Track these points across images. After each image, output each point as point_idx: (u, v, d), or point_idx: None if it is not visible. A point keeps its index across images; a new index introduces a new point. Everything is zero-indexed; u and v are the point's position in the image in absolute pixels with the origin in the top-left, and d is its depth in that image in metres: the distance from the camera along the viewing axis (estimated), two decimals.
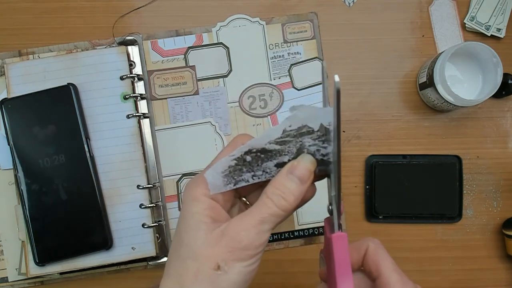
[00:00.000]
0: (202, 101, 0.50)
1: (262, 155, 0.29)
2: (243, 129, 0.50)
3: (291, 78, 0.50)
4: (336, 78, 0.24)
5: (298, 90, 0.50)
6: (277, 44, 0.50)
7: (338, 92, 0.25)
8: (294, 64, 0.50)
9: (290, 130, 0.29)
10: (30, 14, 0.50)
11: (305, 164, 0.28)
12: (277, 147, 0.29)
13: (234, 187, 0.29)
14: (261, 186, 0.30)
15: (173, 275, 0.29)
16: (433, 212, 0.50)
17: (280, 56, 0.50)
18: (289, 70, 0.50)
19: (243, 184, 0.30)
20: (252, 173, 0.29)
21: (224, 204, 0.29)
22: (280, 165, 0.29)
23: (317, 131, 0.29)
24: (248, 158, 0.29)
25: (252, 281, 0.50)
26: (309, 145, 0.29)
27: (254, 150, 0.29)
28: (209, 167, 0.29)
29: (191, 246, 0.27)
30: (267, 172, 0.30)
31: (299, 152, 0.29)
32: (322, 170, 0.29)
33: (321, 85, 0.50)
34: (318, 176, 0.29)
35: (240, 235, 0.26)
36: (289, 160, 0.29)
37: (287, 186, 0.28)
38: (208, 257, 0.26)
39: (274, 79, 0.50)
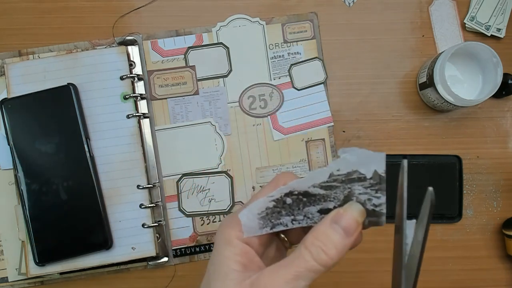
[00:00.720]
0: (202, 101, 0.50)
1: (304, 199, 0.26)
2: (243, 129, 0.50)
3: (291, 78, 0.50)
4: (431, 191, 0.24)
5: (298, 90, 0.50)
6: (277, 44, 0.50)
7: (431, 206, 0.23)
8: (294, 64, 0.50)
9: (338, 175, 0.26)
10: (30, 14, 0.50)
11: (352, 214, 0.25)
12: (322, 191, 0.26)
13: (271, 231, 0.27)
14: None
15: None
16: (433, 212, 0.49)
17: (280, 56, 0.50)
18: (289, 70, 0.50)
19: (281, 228, 0.27)
20: (292, 217, 0.27)
21: (258, 248, 0.27)
22: (324, 212, 0.26)
23: (370, 178, 0.26)
24: (289, 200, 0.26)
25: None
26: (359, 193, 0.26)
27: (296, 193, 0.26)
28: (245, 206, 0.26)
29: None
30: (308, 218, 0.27)
31: (346, 200, 0.26)
32: (372, 222, 0.26)
33: (320, 85, 0.50)
34: (365, 228, 0.26)
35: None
36: (334, 207, 0.26)
37: (330, 238, 0.24)
38: None
39: (274, 79, 0.50)
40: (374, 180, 0.26)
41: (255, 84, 0.50)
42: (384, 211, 0.26)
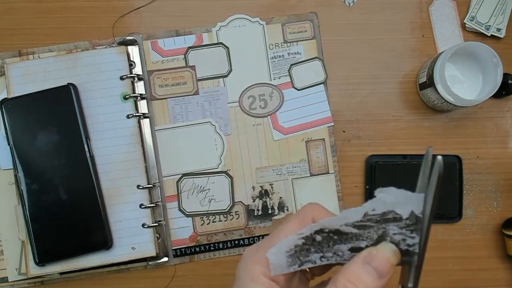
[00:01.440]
0: (202, 101, 0.50)
1: (335, 237, 0.26)
2: (243, 129, 0.50)
3: (291, 78, 0.50)
4: (440, 161, 0.22)
5: (298, 90, 0.50)
6: (277, 44, 0.50)
7: (439, 177, 0.22)
8: (294, 64, 0.50)
9: (373, 215, 0.25)
10: (30, 14, 0.50)
11: (386, 254, 0.24)
12: (355, 230, 0.25)
13: (299, 269, 0.26)
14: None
15: None
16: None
17: (280, 56, 0.50)
18: (289, 70, 0.50)
19: (309, 265, 0.27)
20: (321, 254, 0.26)
21: (283, 284, 0.26)
22: (356, 250, 0.25)
23: (406, 219, 0.25)
24: (318, 238, 0.26)
25: None
26: (394, 233, 0.25)
27: (327, 230, 0.26)
28: (271, 243, 0.26)
29: None
30: (338, 255, 0.26)
31: (380, 239, 0.25)
32: (405, 261, 0.25)
33: (320, 85, 0.50)
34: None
35: None
36: (366, 246, 0.25)
37: (362, 280, 0.23)
38: None
39: (274, 79, 0.50)
40: (411, 221, 0.25)
41: (255, 84, 0.50)
42: (417, 250, 0.25)
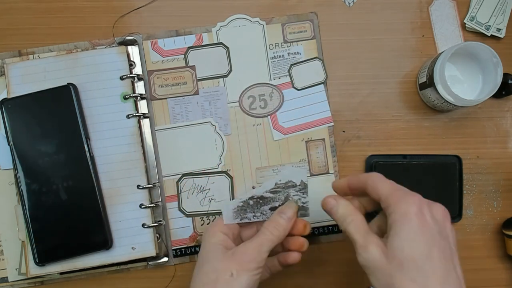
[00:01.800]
0: (202, 101, 0.50)
1: (261, 201, 0.41)
2: (243, 129, 0.50)
3: (291, 78, 0.50)
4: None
5: (298, 90, 0.50)
6: (277, 44, 0.50)
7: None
8: (294, 64, 0.50)
9: (280, 184, 0.41)
10: (30, 14, 0.50)
11: (290, 209, 0.40)
12: (271, 195, 0.41)
13: (240, 222, 0.41)
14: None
15: (198, 285, 0.37)
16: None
17: (280, 56, 0.50)
18: (289, 70, 0.50)
19: (246, 221, 0.41)
20: (253, 213, 0.41)
21: (233, 239, 0.40)
22: (273, 209, 0.41)
23: (299, 185, 0.41)
24: (251, 202, 0.41)
25: None
26: (293, 195, 0.41)
27: (256, 197, 0.41)
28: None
29: (212, 262, 0.37)
30: (263, 214, 0.41)
31: (285, 200, 0.41)
32: (302, 214, 0.42)
33: (320, 85, 0.50)
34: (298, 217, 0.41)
35: (246, 253, 0.37)
36: (279, 205, 0.41)
37: (279, 222, 0.39)
38: (224, 269, 0.36)
39: (274, 79, 0.50)
40: (301, 186, 0.41)
41: (255, 84, 0.50)
42: (309, 206, 0.41)
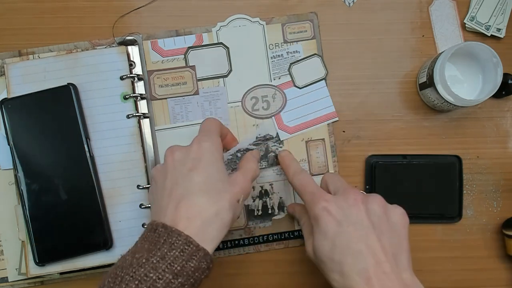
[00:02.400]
0: (202, 101, 0.50)
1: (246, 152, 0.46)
2: (243, 129, 0.50)
3: (291, 77, 0.50)
4: None
5: (300, 88, 0.50)
6: (277, 44, 0.50)
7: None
8: (294, 62, 0.50)
9: (260, 136, 0.49)
10: (30, 14, 0.50)
11: (257, 151, 0.47)
12: (254, 147, 0.49)
13: (231, 172, 0.47)
14: None
15: (212, 181, 0.37)
16: (433, 212, 0.50)
17: (279, 56, 0.50)
18: (289, 69, 0.50)
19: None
20: None
21: None
22: None
23: (275, 137, 0.49)
24: (239, 154, 0.48)
25: (252, 281, 0.51)
26: (272, 145, 0.49)
27: (242, 149, 0.48)
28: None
29: (223, 181, 0.38)
30: None
31: (266, 150, 0.49)
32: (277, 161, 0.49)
33: (322, 82, 0.50)
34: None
35: (244, 183, 0.39)
36: (261, 155, 0.49)
37: (250, 159, 0.43)
38: (236, 193, 0.38)
39: (274, 79, 0.50)
40: (277, 138, 0.49)
41: (257, 86, 0.50)
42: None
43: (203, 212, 0.35)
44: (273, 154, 0.49)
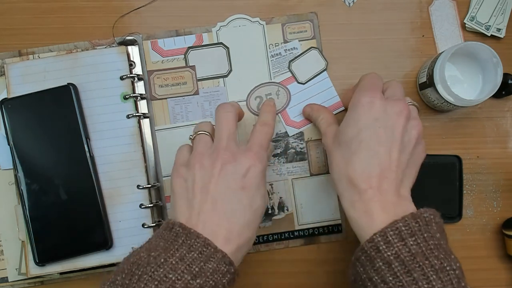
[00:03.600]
0: (202, 101, 0.50)
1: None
2: (243, 129, 0.50)
3: (293, 74, 0.50)
4: None
5: (303, 83, 0.50)
6: (277, 44, 0.50)
7: None
8: (292, 60, 0.50)
9: (280, 133, 0.49)
10: (30, 14, 0.50)
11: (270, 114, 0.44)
12: (274, 143, 0.49)
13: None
14: None
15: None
16: None
17: (277, 54, 0.50)
18: (289, 67, 0.50)
19: None
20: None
21: None
22: (275, 155, 0.49)
23: (297, 134, 0.49)
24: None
25: (252, 281, 0.51)
26: (292, 142, 0.49)
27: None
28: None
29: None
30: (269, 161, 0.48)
31: (286, 147, 0.49)
32: (301, 158, 0.49)
33: (323, 73, 0.50)
34: None
35: (260, 149, 0.39)
36: (281, 152, 0.49)
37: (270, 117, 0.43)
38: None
39: (275, 78, 0.50)
40: (298, 135, 0.49)
41: (260, 85, 0.50)
42: (306, 151, 0.49)
43: (241, 237, 0.35)
44: (293, 150, 0.49)
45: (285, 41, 0.50)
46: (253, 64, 0.50)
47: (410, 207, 0.36)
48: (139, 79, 0.49)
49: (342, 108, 0.50)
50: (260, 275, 0.49)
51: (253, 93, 0.50)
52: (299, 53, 0.50)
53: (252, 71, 0.50)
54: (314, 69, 0.50)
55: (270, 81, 0.50)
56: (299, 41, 0.50)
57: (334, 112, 0.50)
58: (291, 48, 0.50)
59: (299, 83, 0.50)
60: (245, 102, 0.50)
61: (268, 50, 0.50)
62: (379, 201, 0.35)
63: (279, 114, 0.50)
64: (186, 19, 0.50)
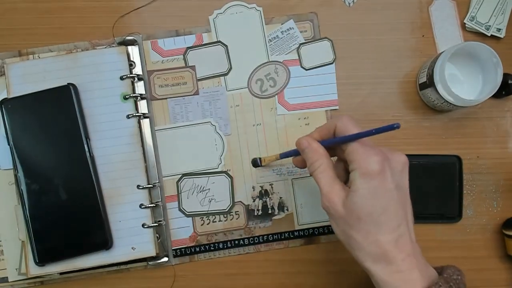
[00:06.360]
0: (202, 101, 0.50)
1: None
2: (243, 129, 0.50)
3: (299, 57, 0.50)
4: None
5: (306, 69, 0.50)
6: (275, 31, 0.50)
7: None
8: (304, 43, 0.50)
9: None
10: (30, 14, 0.50)
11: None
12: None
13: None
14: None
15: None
16: (433, 212, 0.50)
17: (275, 38, 0.50)
18: (298, 49, 0.50)
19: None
20: None
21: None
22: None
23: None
24: None
25: (252, 281, 0.51)
26: None
27: None
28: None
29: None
30: None
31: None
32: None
33: (331, 67, 0.50)
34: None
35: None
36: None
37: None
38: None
39: (273, 58, 0.50)
40: None
41: (258, 66, 0.50)
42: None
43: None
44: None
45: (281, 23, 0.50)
46: (251, 51, 0.50)
47: (426, 264, 0.36)
48: (139, 79, 0.49)
49: (337, 107, 0.50)
50: (260, 275, 0.49)
51: (252, 77, 0.50)
52: (312, 39, 0.50)
53: (251, 58, 0.50)
54: (321, 59, 0.50)
55: (266, 61, 0.50)
56: (290, 19, 0.50)
57: (327, 109, 0.50)
58: (288, 29, 0.50)
59: (302, 67, 0.50)
60: (246, 88, 0.50)
61: (266, 35, 0.50)
62: (417, 269, 0.35)
63: (276, 96, 0.50)
64: (186, 19, 0.50)
